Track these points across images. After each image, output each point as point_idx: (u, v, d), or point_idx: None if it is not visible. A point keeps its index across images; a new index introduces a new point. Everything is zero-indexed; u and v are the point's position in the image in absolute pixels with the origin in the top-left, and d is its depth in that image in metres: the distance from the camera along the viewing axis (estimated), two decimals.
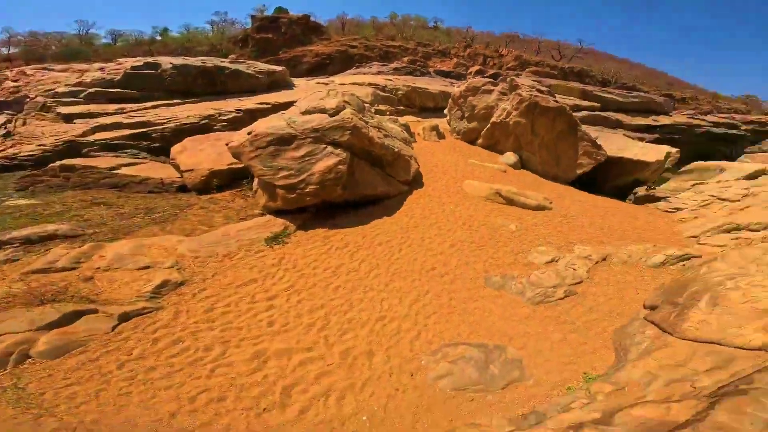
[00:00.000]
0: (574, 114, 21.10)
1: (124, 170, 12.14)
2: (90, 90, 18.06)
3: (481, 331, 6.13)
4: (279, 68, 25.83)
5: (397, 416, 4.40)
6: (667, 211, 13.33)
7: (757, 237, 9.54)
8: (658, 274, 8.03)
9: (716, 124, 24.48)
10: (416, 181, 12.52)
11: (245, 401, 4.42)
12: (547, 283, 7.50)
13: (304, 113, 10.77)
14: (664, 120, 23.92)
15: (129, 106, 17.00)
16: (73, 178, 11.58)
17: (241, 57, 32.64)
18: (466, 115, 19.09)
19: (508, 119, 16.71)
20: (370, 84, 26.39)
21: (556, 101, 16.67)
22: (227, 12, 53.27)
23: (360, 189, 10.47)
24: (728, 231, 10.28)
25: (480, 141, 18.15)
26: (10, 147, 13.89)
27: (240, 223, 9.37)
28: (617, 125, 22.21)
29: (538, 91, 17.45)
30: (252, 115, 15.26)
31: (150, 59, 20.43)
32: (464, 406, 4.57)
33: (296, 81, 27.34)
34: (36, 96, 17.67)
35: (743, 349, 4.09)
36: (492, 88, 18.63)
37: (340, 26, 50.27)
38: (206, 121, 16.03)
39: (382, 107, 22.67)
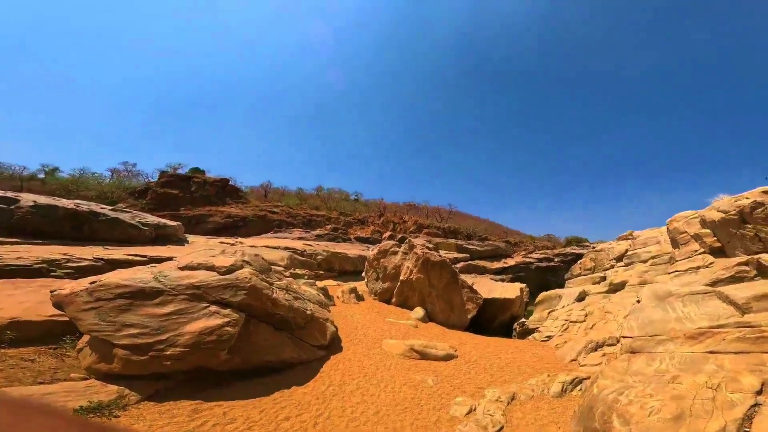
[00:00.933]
0: (454, 265, 24.05)
1: None
2: None
3: None
4: (173, 223, 22.25)
5: None
6: (543, 341, 14.13)
7: (615, 350, 10.49)
8: (564, 402, 7.90)
9: (540, 260, 30.80)
10: (334, 345, 11.14)
11: None
12: None
13: (183, 268, 8.99)
14: (510, 261, 29.49)
15: None
16: None
17: (132, 208, 26.68)
18: (380, 275, 19.53)
19: (411, 276, 17.79)
20: (287, 248, 24.27)
21: (440, 256, 18.50)
22: (136, 164, 45.12)
23: (259, 355, 8.42)
24: (594, 349, 11.21)
25: (394, 300, 18.24)
26: None
27: (36, 386, 6.23)
28: (484, 271, 26.13)
29: (427, 248, 19.23)
30: (116, 267, 11.89)
31: (10, 194, 16.07)
32: None
33: (193, 238, 23.44)
34: None
35: None
36: (397, 249, 19.89)
37: (262, 193, 47.48)
38: (44, 265, 11.85)
39: (299, 271, 21.16)
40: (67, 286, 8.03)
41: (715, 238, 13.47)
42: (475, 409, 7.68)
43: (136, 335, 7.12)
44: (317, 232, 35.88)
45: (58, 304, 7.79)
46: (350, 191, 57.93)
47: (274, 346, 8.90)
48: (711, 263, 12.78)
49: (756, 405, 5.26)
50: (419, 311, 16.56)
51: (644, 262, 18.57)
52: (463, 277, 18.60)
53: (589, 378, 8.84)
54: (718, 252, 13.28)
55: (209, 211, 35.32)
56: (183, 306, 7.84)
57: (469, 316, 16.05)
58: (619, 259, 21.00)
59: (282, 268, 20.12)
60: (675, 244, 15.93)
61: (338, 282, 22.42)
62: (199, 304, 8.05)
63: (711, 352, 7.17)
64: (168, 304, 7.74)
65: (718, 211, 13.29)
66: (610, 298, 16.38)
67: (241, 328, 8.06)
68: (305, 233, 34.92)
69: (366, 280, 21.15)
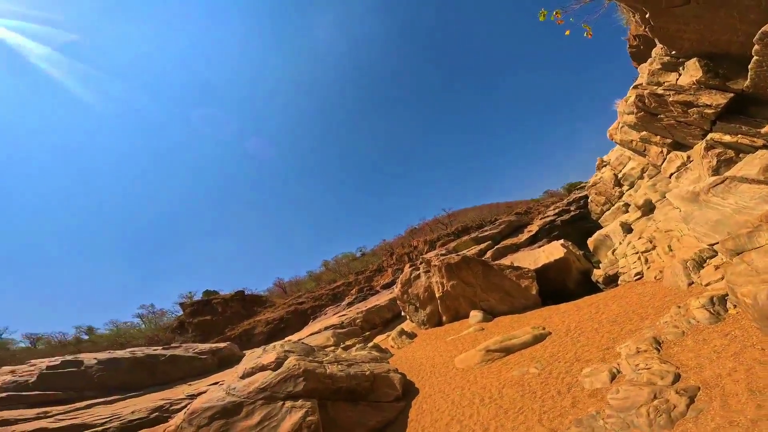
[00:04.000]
0: (483, 257, 21.57)
1: None
2: (1, 395, 13.21)
3: None
4: (223, 344, 21.83)
5: None
6: (636, 279, 11.83)
7: (719, 259, 8.99)
8: (730, 324, 5.54)
9: (558, 214, 26.75)
10: (410, 391, 9.59)
11: None
12: (641, 398, 4.32)
13: (243, 377, 8.67)
14: (534, 228, 26.10)
15: (54, 409, 12.36)
16: None
17: (184, 343, 26.51)
18: (417, 305, 17.52)
19: (446, 288, 15.69)
20: (326, 328, 24.28)
21: (459, 255, 16.86)
22: (153, 304, 44.19)
23: None
24: (700, 266, 9.28)
25: (444, 318, 15.90)
26: None
27: None
28: (516, 248, 23.33)
29: (441, 255, 17.92)
30: None
31: (69, 357, 16.20)
32: None
33: (249, 352, 22.99)
34: None
35: None
36: (418, 272, 18.35)
37: (281, 291, 46.64)
38: (157, 413, 12.05)
39: (349, 342, 20.53)
40: (171, 422, 8.13)
41: (659, 137, 12.33)
42: (619, 371, 5.18)
43: None
44: (347, 301, 34.59)
45: None
46: (353, 250, 55.85)
47: (358, 420, 8.14)
48: (689, 158, 11.73)
49: None
50: (476, 314, 13.95)
51: (641, 178, 17.15)
52: (499, 261, 16.22)
53: (726, 295, 6.87)
54: (675, 145, 12.09)
55: (250, 324, 35.10)
56: (266, 411, 7.62)
57: (534, 292, 13.44)
58: (618, 184, 19.11)
59: (333, 347, 19.48)
60: (638, 152, 14.84)
61: (387, 333, 21.10)
62: (276, 405, 7.76)
63: None
64: (254, 414, 7.55)
65: (628, 115, 12.47)
66: (655, 218, 14.51)
67: (322, 413, 7.68)
68: (337, 307, 33.47)
69: (408, 316, 19.04)
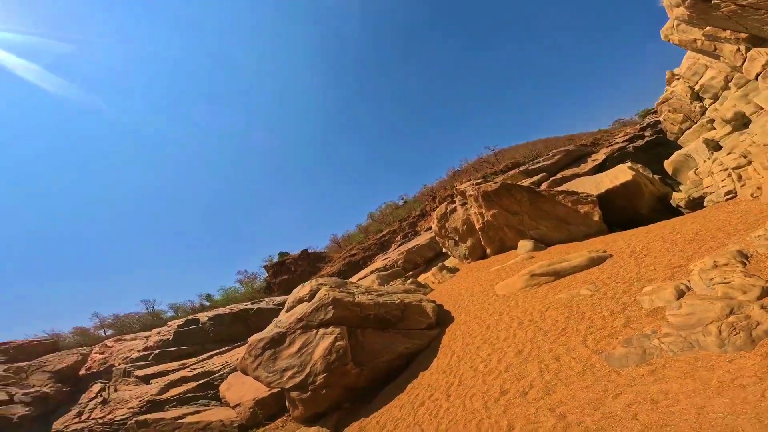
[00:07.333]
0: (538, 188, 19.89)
1: (189, 418, 11.19)
2: (155, 352, 17.73)
3: None
4: None
5: None
6: (727, 199, 10.27)
7: None
8: None
9: (630, 140, 22.95)
10: (444, 320, 9.83)
11: None
12: (711, 314, 3.73)
13: (287, 311, 10.01)
14: (600, 157, 23.10)
15: (189, 361, 16.32)
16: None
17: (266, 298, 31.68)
18: (457, 238, 17.31)
19: (487, 218, 14.90)
20: (372, 272, 26.01)
21: (495, 182, 15.87)
22: (246, 269, 54.14)
23: (378, 357, 8.12)
24: None
25: (489, 250, 15.46)
26: (108, 413, 13.52)
27: None
28: (573, 177, 21.02)
29: (476, 183, 16.96)
30: None
31: (190, 317, 20.56)
32: None
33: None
34: (119, 364, 17.63)
35: None
36: (454, 205, 17.97)
37: (336, 246, 50.12)
38: None
39: (393, 283, 21.29)
40: (236, 356, 10.20)
41: (728, 31, 10.13)
42: (689, 288, 4.60)
43: (293, 375, 7.86)
44: (392, 248, 35.58)
45: (243, 370, 8.94)
46: (395, 199, 57.20)
47: (387, 346, 8.57)
48: None
49: None
50: (526, 244, 13.21)
51: (726, 88, 13.97)
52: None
53: None
54: (754, 40, 9.93)
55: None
56: (303, 339, 8.55)
57: (596, 218, 12.20)
58: (696, 98, 15.78)
59: (370, 282, 20.51)
60: (709, 55, 12.19)
61: (431, 271, 21.25)
62: (311, 333, 8.61)
63: None
64: (294, 342, 8.57)
65: (677, 8, 10.42)
66: (750, 132, 12.12)
67: (351, 340, 8.26)
68: (385, 254, 34.88)
69: (448, 252, 18.96)
